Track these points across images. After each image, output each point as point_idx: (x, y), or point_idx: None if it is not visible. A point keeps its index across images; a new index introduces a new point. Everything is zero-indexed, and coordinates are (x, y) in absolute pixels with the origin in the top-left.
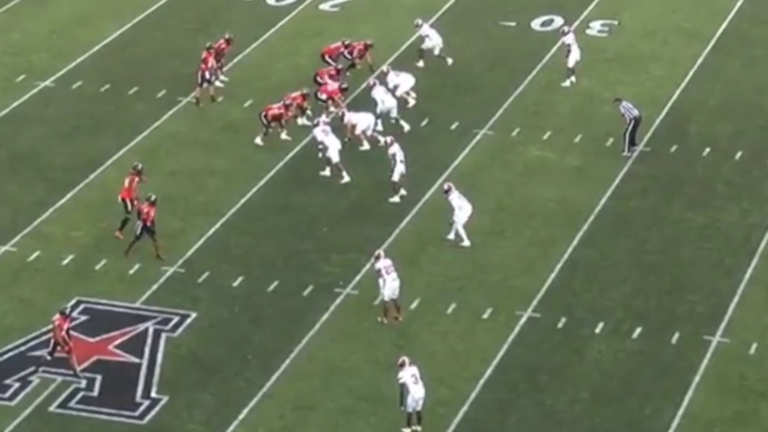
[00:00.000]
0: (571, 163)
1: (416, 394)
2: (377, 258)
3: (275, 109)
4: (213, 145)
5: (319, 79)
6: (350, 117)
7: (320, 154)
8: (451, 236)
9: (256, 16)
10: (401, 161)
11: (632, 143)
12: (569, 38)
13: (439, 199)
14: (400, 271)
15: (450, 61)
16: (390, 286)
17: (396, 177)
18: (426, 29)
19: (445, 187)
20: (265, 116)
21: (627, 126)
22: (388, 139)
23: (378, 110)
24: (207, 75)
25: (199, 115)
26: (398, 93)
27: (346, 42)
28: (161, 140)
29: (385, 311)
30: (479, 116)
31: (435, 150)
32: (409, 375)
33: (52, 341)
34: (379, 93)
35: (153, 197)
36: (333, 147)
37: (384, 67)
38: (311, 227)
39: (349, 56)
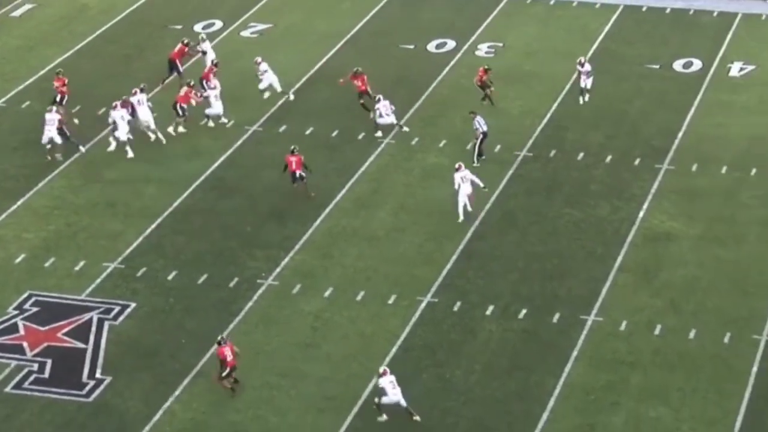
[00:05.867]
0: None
1: (394, 397)
2: None
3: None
4: (149, 155)
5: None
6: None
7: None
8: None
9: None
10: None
11: (480, 155)
12: (586, 68)
13: (348, 201)
14: (315, 263)
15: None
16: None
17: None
18: (264, 66)
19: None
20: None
21: (477, 139)
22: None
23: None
24: (184, 106)
25: (137, 129)
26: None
27: (185, 41)
28: (103, 152)
29: None
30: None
31: (345, 157)
32: (387, 382)
33: None
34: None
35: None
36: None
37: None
38: (236, 227)
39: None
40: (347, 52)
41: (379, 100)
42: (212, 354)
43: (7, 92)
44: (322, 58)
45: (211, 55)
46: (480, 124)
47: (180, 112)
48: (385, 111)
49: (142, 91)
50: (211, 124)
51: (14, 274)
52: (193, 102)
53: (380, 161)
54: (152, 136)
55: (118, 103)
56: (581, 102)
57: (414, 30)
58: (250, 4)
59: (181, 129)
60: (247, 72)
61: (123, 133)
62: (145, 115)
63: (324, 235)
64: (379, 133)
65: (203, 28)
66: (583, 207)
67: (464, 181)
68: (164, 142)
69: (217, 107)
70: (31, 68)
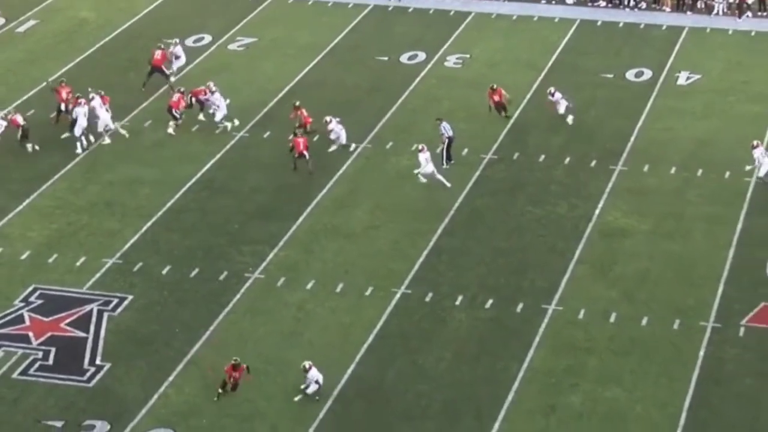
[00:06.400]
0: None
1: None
2: None
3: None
4: (144, 159)
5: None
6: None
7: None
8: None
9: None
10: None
11: (449, 159)
12: (557, 96)
13: (328, 200)
14: (298, 258)
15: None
16: None
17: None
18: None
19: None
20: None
21: (443, 144)
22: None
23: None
24: (177, 112)
25: (133, 135)
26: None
27: (162, 46)
28: (101, 156)
29: None
30: (360, 132)
31: (324, 160)
32: (317, 373)
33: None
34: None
35: None
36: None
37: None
38: (225, 225)
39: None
40: (326, 63)
41: (330, 121)
42: (203, 342)
43: (12, 101)
44: (303, 69)
45: (182, 60)
46: (446, 129)
47: (176, 116)
48: (339, 128)
49: (101, 96)
50: (227, 124)
51: (20, 269)
52: (182, 106)
53: (357, 164)
54: (107, 139)
55: (83, 99)
56: (570, 122)
57: (388, 43)
58: (236, 20)
59: (170, 131)
60: (234, 82)
61: (80, 128)
62: (105, 117)
63: (306, 232)
64: (352, 146)
65: (194, 42)
66: (544, 205)
67: (428, 162)
68: (106, 141)
69: (223, 109)
70: (34, 80)
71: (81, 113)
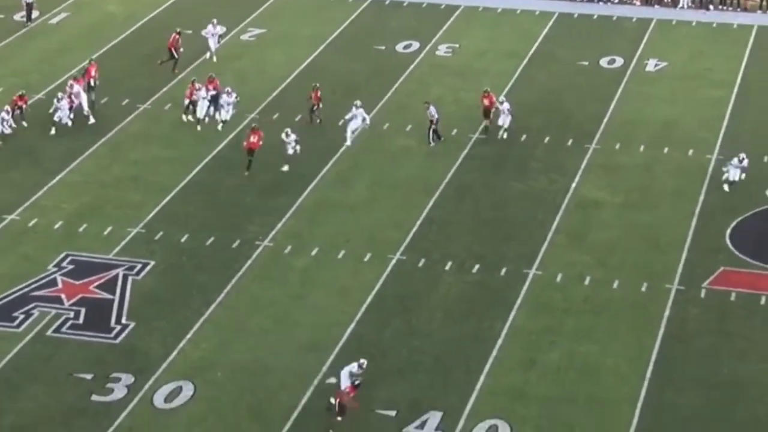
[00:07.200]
0: (426, 148)
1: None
2: None
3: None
4: (164, 139)
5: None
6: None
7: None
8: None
9: (194, 46)
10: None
11: (438, 137)
12: (505, 106)
13: (331, 176)
14: (303, 227)
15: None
16: None
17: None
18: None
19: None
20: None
21: (431, 125)
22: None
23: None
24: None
25: (154, 118)
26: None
27: (178, 30)
28: (126, 136)
29: None
30: None
31: (327, 140)
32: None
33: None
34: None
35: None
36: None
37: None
38: (238, 198)
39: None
40: (329, 52)
41: (288, 134)
42: (218, 304)
43: (45, 87)
44: (308, 58)
45: (213, 40)
46: (433, 112)
47: (187, 104)
48: (294, 140)
49: (77, 81)
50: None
51: (54, 237)
52: (200, 95)
53: (357, 143)
54: (91, 119)
55: (60, 93)
56: (500, 136)
57: (385, 33)
58: (248, 13)
59: (185, 118)
60: (246, 69)
61: (65, 115)
62: (84, 101)
63: (311, 205)
64: (286, 167)
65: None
66: (526, 180)
67: (357, 117)
68: (92, 120)
69: (228, 111)
70: (65, 67)
71: (64, 102)
